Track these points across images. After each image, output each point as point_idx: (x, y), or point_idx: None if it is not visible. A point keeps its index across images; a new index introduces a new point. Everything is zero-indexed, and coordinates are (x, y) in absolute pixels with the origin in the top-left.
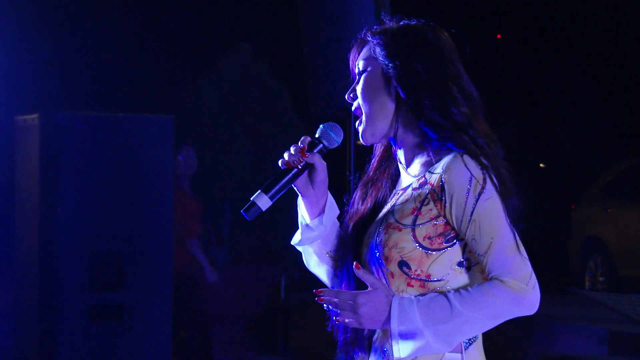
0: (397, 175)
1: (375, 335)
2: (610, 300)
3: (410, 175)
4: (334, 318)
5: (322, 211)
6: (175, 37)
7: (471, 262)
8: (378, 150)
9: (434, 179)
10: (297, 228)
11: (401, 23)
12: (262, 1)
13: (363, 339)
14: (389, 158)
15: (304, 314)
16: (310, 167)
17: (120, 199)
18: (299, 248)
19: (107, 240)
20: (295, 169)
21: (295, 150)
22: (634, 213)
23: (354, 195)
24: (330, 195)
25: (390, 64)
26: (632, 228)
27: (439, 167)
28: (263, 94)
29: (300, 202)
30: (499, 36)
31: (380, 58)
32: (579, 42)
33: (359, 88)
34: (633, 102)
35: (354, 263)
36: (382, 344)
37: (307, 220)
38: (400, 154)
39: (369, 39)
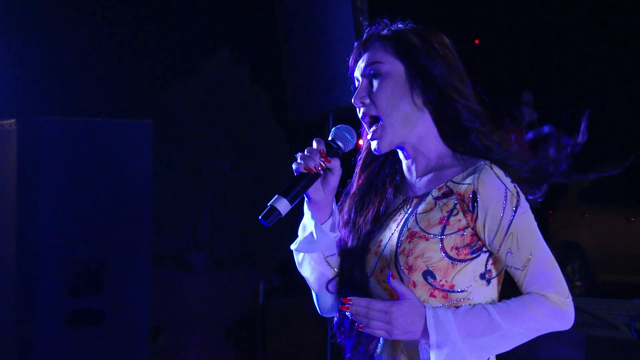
0: (399, 182)
1: (379, 349)
2: (587, 304)
3: (421, 183)
4: (359, 327)
5: (329, 216)
6: (154, 42)
7: (492, 274)
8: (369, 157)
9: (462, 189)
10: (276, 234)
11: (409, 26)
12: (242, 7)
13: (367, 352)
14: (384, 165)
15: (282, 319)
16: (327, 172)
17: (99, 204)
18: (295, 251)
19: (85, 245)
20: (314, 173)
21: (314, 154)
22: (611, 218)
23: (344, 204)
24: (334, 201)
25: (417, 67)
26: (609, 233)
27: (468, 178)
28: (242, 100)
29: (306, 206)
30: (477, 41)
31: (405, 60)
32: (555, 48)
33: (378, 92)
34: (610, 108)
35: (389, 273)
36: (392, 356)
37: (310, 226)
38: (410, 162)
39: (387, 37)
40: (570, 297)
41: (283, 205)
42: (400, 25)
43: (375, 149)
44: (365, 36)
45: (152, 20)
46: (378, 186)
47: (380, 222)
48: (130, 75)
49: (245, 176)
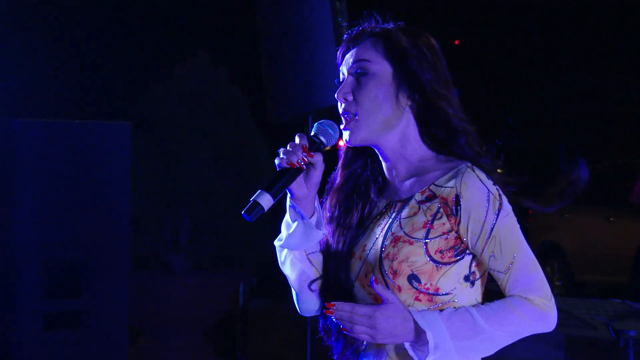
0: (381, 185)
1: (367, 345)
2: (566, 305)
3: (404, 186)
4: (344, 330)
5: (313, 212)
6: (132, 45)
7: (476, 276)
8: (350, 151)
9: (445, 192)
10: (257, 235)
11: (401, 26)
12: (220, 9)
13: (356, 353)
14: (366, 166)
15: (262, 320)
16: (310, 167)
17: (77, 206)
18: (278, 248)
19: (63, 248)
20: (296, 168)
21: (296, 149)
22: (590, 218)
23: (327, 199)
24: (317, 197)
25: (405, 71)
26: (588, 233)
27: (450, 181)
28: (221, 101)
29: (290, 202)
30: (456, 42)
31: (394, 62)
32: (533, 48)
33: (363, 92)
34: (588, 109)
35: (372, 277)
36: (378, 352)
37: (295, 222)
38: (390, 165)
39: (378, 36)
40: (553, 300)
41: (266, 200)
42: (391, 25)
43: (346, 140)
44: (356, 31)
45: (130, 23)
46: (361, 189)
47: (365, 226)
48: (109, 77)
49: (225, 177)
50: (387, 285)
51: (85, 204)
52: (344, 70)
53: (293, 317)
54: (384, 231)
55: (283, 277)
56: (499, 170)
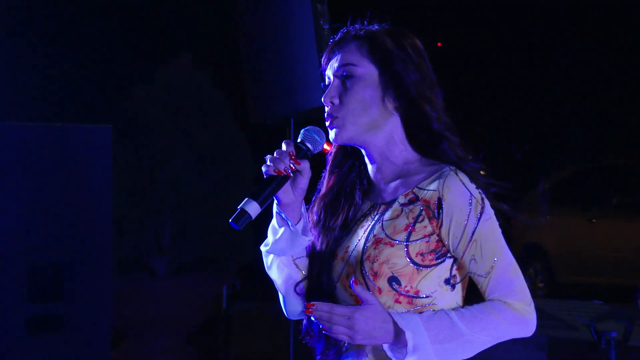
0: (366, 187)
1: (347, 345)
2: (549, 306)
3: (388, 189)
4: (323, 330)
5: (299, 219)
6: (114, 47)
7: (457, 280)
8: (337, 158)
9: (428, 195)
10: (239, 238)
11: (385, 28)
12: (202, 12)
13: (338, 354)
14: (352, 168)
15: (245, 323)
16: (297, 174)
17: (59, 209)
18: (264, 253)
19: (45, 251)
20: (283, 176)
21: (283, 157)
22: (573, 220)
23: (313, 205)
24: (303, 203)
25: (391, 73)
26: (570, 235)
27: (433, 184)
28: (203, 104)
29: (276, 209)
30: (439, 44)
31: (379, 64)
32: (516, 50)
33: (349, 94)
34: (571, 111)
35: (352, 279)
36: (359, 352)
37: (282, 228)
38: (376, 167)
39: (363, 38)
40: (533, 305)
41: (253, 209)
42: (375, 27)
43: (333, 139)
44: (340, 34)
45: (111, 26)
46: (347, 190)
47: (349, 228)
48: (90, 80)
49: (207, 180)
50: (367, 287)
51: (67, 208)
52: (329, 74)
53: (276, 319)
54: (366, 233)
55: (266, 280)
56: (482, 172)
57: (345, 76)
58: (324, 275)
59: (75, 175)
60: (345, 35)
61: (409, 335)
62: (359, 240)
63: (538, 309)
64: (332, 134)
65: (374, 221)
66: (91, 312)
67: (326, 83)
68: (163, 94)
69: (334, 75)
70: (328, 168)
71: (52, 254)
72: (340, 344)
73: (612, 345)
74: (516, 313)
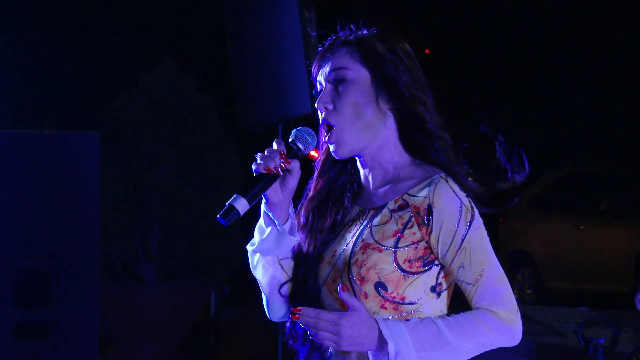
0: (356, 191)
1: (332, 351)
2: (536, 313)
3: (378, 194)
4: (310, 335)
5: (287, 219)
6: (100, 53)
7: (442, 287)
8: (328, 162)
9: (418, 202)
10: (227, 244)
11: (375, 32)
12: (188, 16)
13: (322, 358)
14: (342, 172)
15: (234, 329)
16: (286, 173)
17: (46, 216)
18: (250, 252)
19: (32, 258)
20: (273, 174)
21: (274, 155)
22: (560, 226)
23: (301, 207)
24: (291, 204)
25: (383, 75)
26: (558, 241)
27: (423, 191)
28: (190, 109)
29: (264, 208)
30: (427, 51)
31: (371, 67)
32: (504, 57)
33: (343, 99)
34: (558, 115)
35: (339, 285)
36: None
37: (269, 228)
38: (367, 171)
39: (353, 43)
40: (519, 314)
41: (242, 205)
42: (365, 32)
43: (334, 152)
44: (330, 40)
45: (97, 32)
46: (336, 194)
47: (337, 231)
48: (76, 87)
49: (194, 186)
50: (354, 292)
51: (54, 214)
52: (321, 79)
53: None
54: (354, 237)
55: (254, 286)
56: (470, 179)
57: (337, 80)
58: (309, 278)
59: (63, 182)
60: (335, 40)
61: (390, 346)
62: (347, 244)
63: (526, 316)
64: (332, 148)
65: (362, 226)
66: (78, 318)
67: (318, 89)
68: (149, 100)
69: (326, 81)
70: (317, 171)
71: (39, 261)
72: (324, 348)
73: (599, 351)
74: (502, 322)
